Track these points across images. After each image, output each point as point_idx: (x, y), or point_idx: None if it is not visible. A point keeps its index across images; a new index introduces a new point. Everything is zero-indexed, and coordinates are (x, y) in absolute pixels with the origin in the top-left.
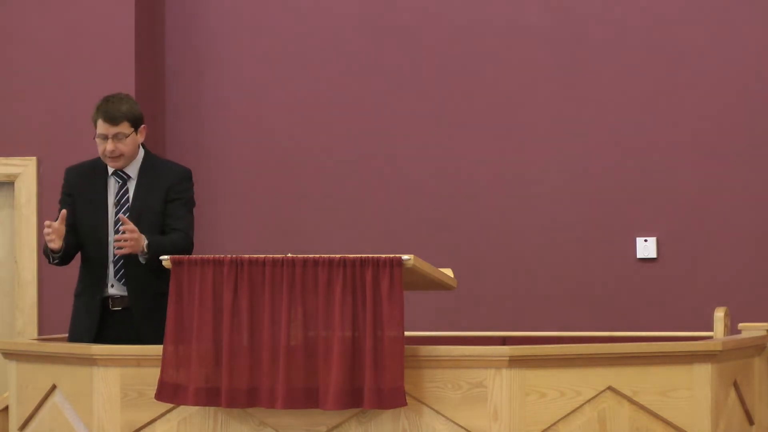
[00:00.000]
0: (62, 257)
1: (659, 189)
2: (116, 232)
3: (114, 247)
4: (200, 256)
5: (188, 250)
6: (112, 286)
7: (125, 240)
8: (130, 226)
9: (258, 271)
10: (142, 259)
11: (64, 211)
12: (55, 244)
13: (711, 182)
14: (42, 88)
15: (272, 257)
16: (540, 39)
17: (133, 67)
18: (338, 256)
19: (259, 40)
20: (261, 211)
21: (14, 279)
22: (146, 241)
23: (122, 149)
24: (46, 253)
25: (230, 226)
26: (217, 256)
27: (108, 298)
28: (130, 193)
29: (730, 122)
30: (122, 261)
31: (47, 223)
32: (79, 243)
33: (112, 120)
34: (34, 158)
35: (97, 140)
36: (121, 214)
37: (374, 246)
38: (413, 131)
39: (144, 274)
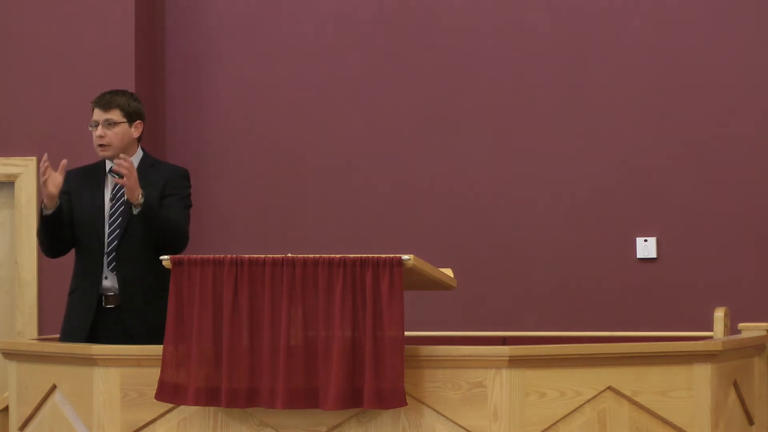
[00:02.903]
0: (53, 219)
1: (659, 189)
2: (111, 225)
3: (113, 169)
4: (200, 256)
5: (181, 235)
6: (106, 277)
7: (124, 164)
8: (128, 160)
9: (258, 271)
10: (135, 210)
11: (65, 161)
12: (50, 187)
13: (711, 182)
14: (42, 87)
15: (272, 257)
16: (540, 39)
17: (133, 67)
18: (338, 256)
19: (258, 40)
20: (261, 211)
21: (14, 279)
22: (143, 192)
23: (110, 137)
24: (39, 214)
25: (230, 226)
26: (217, 256)
27: (101, 296)
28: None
29: (731, 122)
30: (115, 253)
31: (45, 157)
32: (74, 237)
33: (104, 106)
34: (34, 158)
35: (91, 129)
36: (122, 154)
37: (374, 246)
38: (413, 131)
39: (136, 267)
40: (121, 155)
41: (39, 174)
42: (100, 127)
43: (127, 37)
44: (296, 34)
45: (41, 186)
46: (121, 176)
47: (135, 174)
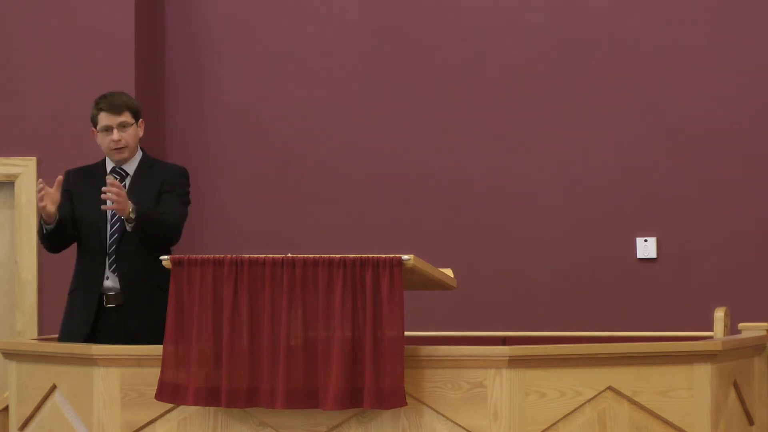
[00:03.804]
0: (54, 231)
1: (659, 189)
2: (112, 226)
3: (103, 198)
4: (200, 256)
5: (175, 232)
6: (107, 278)
7: (113, 190)
8: (117, 185)
9: (258, 271)
10: (129, 227)
11: (60, 177)
12: (48, 207)
13: (711, 182)
14: (42, 88)
15: (272, 257)
16: (540, 39)
17: (133, 67)
18: (338, 256)
19: (259, 41)
20: (261, 211)
21: (14, 279)
22: (133, 206)
23: (127, 139)
24: (40, 225)
25: (230, 226)
26: (217, 256)
27: (102, 295)
28: (126, 189)
29: (731, 122)
30: (116, 254)
31: (40, 181)
32: (75, 235)
33: (116, 109)
34: (34, 158)
35: (100, 134)
36: (110, 178)
37: (374, 246)
38: (413, 131)
39: (137, 266)
40: (110, 179)
41: (36, 190)
42: (115, 131)
43: (127, 37)
44: (296, 33)
45: (39, 208)
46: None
47: (124, 195)
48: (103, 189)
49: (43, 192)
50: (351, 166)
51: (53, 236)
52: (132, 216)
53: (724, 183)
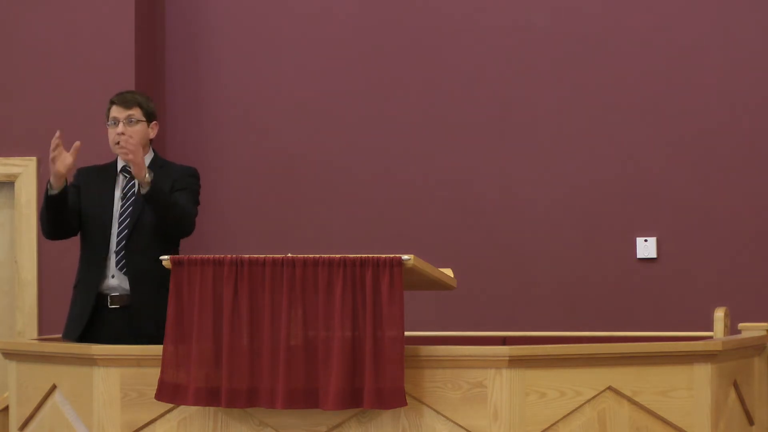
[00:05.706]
0: (57, 200)
1: (659, 189)
2: (120, 224)
3: (117, 146)
4: (200, 256)
5: (188, 221)
6: (113, 276)
7: (130, 140)
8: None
9: (258, 271)
10: (143, 190)
11: (78, 143)
12: (58, 166)
13: (711, 182)
14: (42, 87)
15: (272, 257)
16: (541, 39)
17: (133, 67)
18: (338, 256)
19: (259, 41)
20: (261, 211)
21: (14, 279)
22: (150, 172)
23: (131, 134)
24: (45, 192)
25: (230, 226)
26: (217, 256)
27: (106, 296)
28: (136, 188)
29: (731, 122)
30: (125, 251)
31: (57, 133)
32: (77, 227)
33: (126, 103)
34: (34, 158)
35: (109, 129)
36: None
37: (374, 246)
38: (413, 131)
39: (145, 265)
40: (127, 134)
41: (51, 143)
42: (121, 124)
43: (127, 37)
44: (296, 34)
45: (49, 163)
46: (129, 173)
47: (140, 151)
48: (122, 139)
49: (57, 151)
50: (351, 166)
51: (54, 207)
52: (148, 179)
53: (724, 183)
